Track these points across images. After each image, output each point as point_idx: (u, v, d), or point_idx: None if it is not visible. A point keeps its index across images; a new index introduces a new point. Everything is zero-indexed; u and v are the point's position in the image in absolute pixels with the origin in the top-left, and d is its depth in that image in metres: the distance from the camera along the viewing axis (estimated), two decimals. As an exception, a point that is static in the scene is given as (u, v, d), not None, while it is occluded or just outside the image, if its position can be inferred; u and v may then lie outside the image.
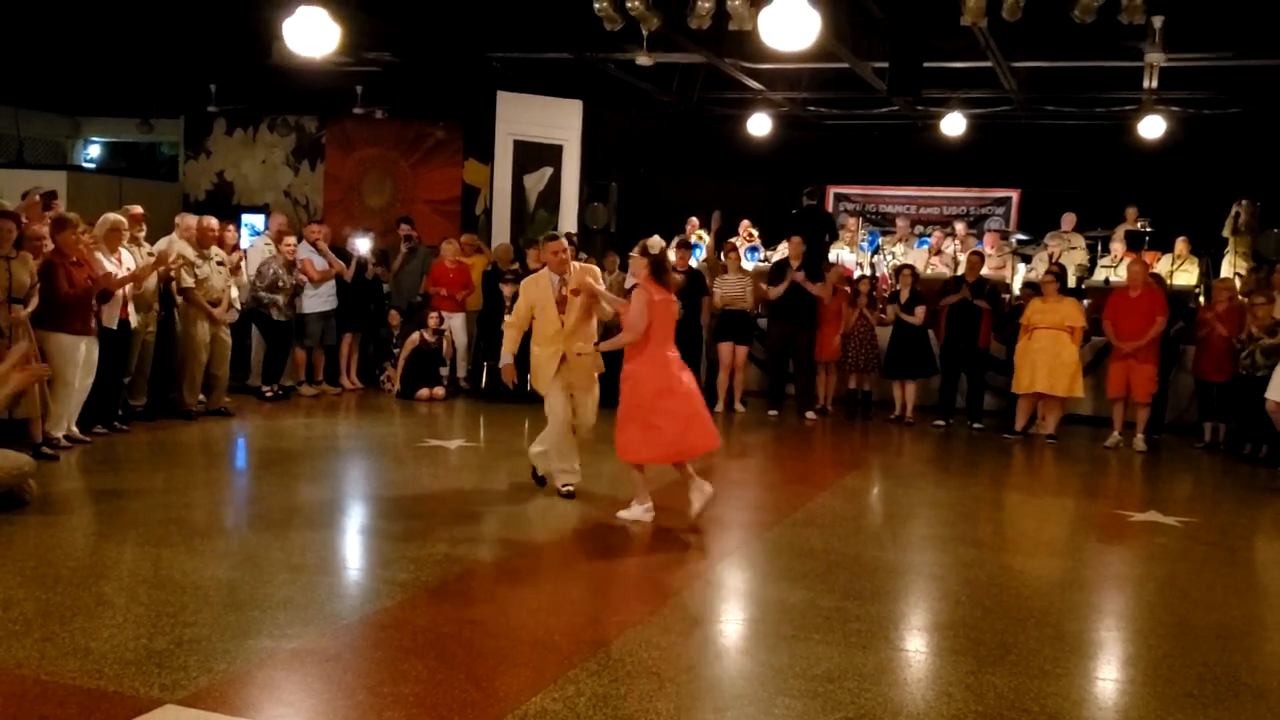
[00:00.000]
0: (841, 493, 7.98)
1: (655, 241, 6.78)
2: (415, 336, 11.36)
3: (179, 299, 9.36)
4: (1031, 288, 11.28)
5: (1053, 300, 10.52)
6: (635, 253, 6.80)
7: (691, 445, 6.58)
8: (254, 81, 14.84)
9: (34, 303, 7.34)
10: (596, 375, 7.20)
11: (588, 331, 7.12)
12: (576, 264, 7.25)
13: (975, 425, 11.07)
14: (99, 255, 8.19)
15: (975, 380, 11.20)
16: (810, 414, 11.33)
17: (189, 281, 9.34)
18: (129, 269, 8.45)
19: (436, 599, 4.90)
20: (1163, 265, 12.99)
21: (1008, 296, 11.87)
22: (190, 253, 9.40)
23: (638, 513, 6.61)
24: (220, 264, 9.71)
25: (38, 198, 8.66)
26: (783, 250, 12.50)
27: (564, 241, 7.21)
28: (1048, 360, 10.31)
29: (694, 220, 14.48)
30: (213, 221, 9.84)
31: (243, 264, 10.43)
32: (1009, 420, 10.77)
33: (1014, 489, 8.93)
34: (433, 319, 11.46)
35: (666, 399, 6.48)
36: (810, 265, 11.44)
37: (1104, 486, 9.05)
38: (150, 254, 9.08)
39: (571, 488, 7.12)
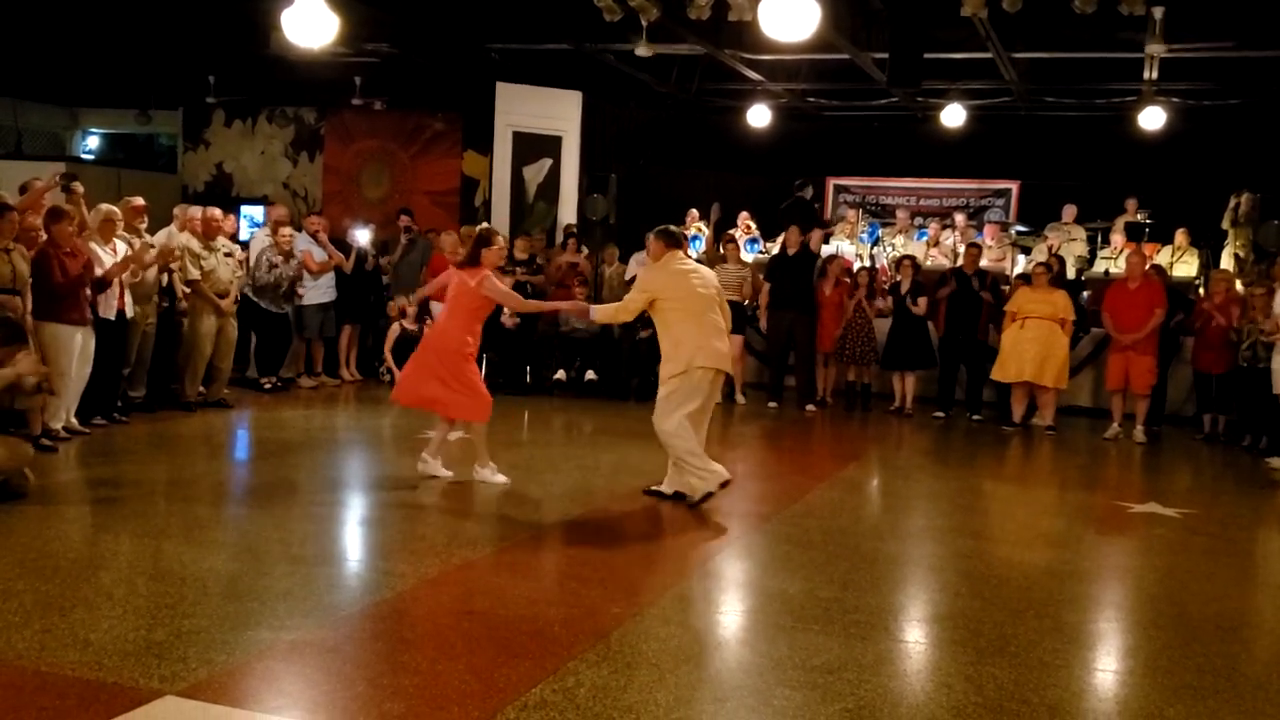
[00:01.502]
0: (841, 484, 7.98)
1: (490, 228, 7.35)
2: (395, 327, 11.34)
3: (183, 290, 9.34)
4: (1025, 279, 11.29)
5: (1043, 291, 10.53)
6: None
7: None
8: (252, 73, 14.82)
9: (29, 299, 7.34)
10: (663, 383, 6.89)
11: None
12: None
13: (974, 417, 11.08)
14: (94, 245, 8.17)
15: (974, 372, 11.20)
16: (810, 406, 11.32)
17: (194, 273, 9.33)
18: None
19: (436, 590, 4.90)
20: (1163, 257, 12.99)
21: (1007, 288, 11.87)
22: (195, 244, 9.39)
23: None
24: (228, 255, 9.70)
25: (57, 179, 8.63)
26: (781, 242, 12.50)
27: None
28: (1040, 350, 10.31)
29: (694, 212, 14.46)
30: (217, 212, 9.83)
31: (245, 257, 10.43)
32: (1008, 412, 10.77)
33: (1013, 480, 8.93)
34: (410, 307, 11.40)
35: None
36: (804, 256, 11.43)
37: (1103, 478, 9.06)
38: (151, 245, 9.07)
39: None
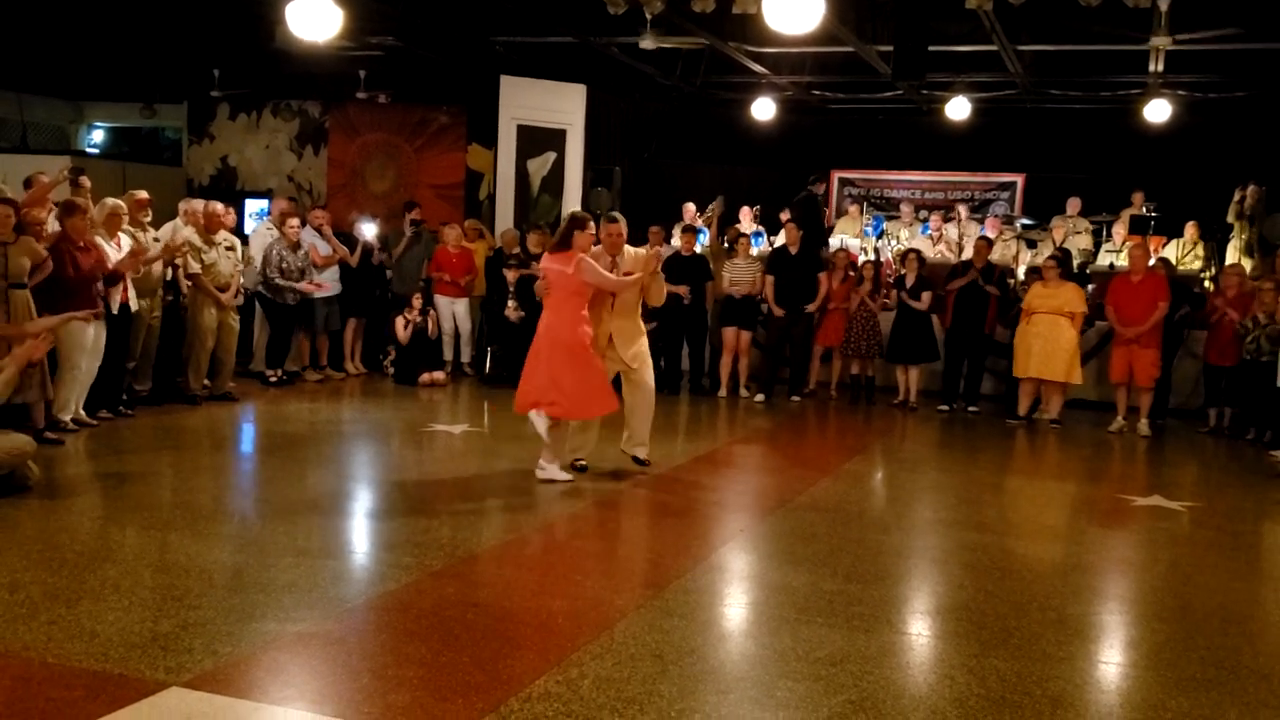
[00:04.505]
0: (845, 477, 7.98)
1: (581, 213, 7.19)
2: (400, 321, 11.34)
3: (186, 284, 9.37)
4: (1035, 273, 11.28)
5: (1053, 285, 10.51)
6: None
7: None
8: (257, 66, 14.81)
9: (46, 269, 7.36)
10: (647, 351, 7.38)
11: (634, 314, 7.28)
12: (630, 248, 7.32)
13: (971, 409, 11.08)
14: (99, 239, 8.19)
15: (976, 365, 11.20)
16: (795, 396, 11.39)
17: (195, 267, 9.36)
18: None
19: (440, 582, 4.91)
20: (1171, 250, 12.97)
21: (1013, 282, 11.85)
22: (196, 238, 9.42)
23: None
24: (229, 249, 9.73)
25: (65, 173, 8.66)
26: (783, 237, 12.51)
27: (622, 224, 7.20)
28: (1045, 345, 10.31)
29: (689, 206, 14.42)
30: (219, 206, 9.86)
31: (240, 248, 10.44)
32: (1010, 405, 10.77)
33: (1017, 473, 8.93)
34: (416, 299, 11.45)
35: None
36: (807, 253, 11.44)
37: (1108, 471, 9.06)
38: (155, 239, 9.10)
39: (583, 461, 7.30)
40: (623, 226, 7.19)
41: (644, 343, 7.39)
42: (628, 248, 7.27)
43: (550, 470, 6.98)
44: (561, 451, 7.11)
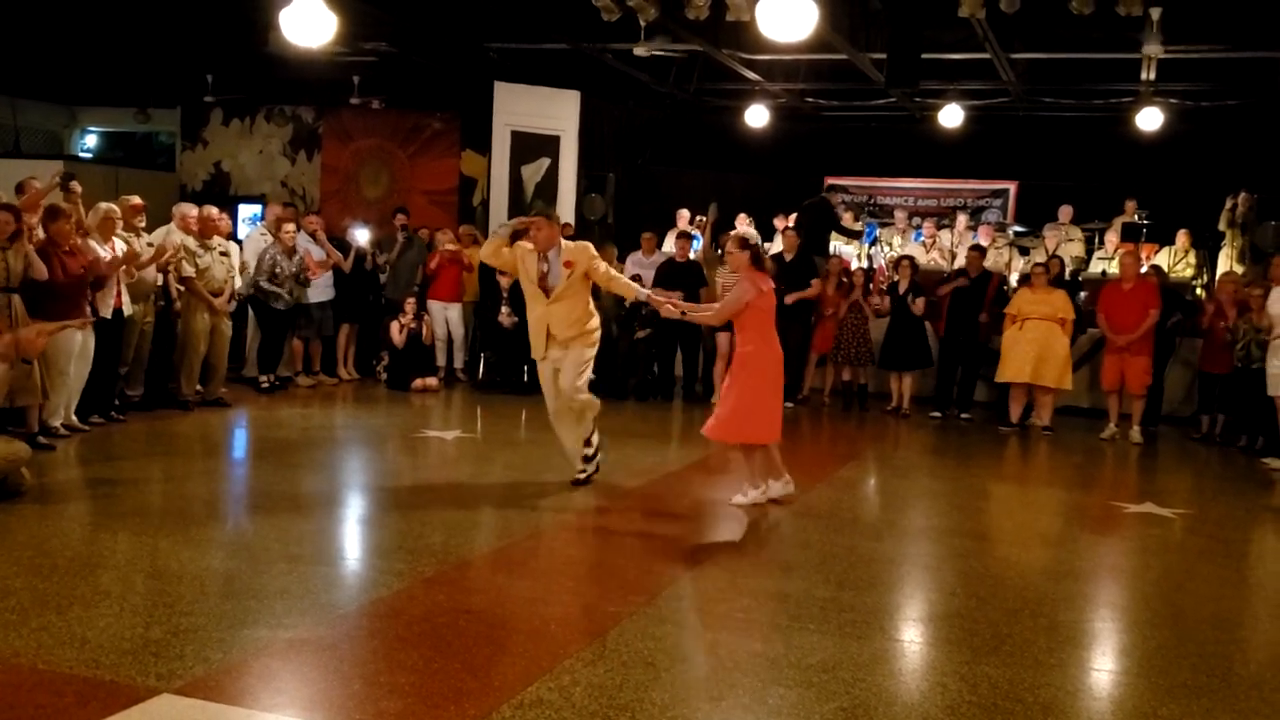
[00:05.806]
0: (838, 484, 7.99)
1: (751, 232, 7.10)
2: (396, 325, 11.33)
3: (178, 288, 9.35)
4: (1028, 281, 11.31)
5: (1042, 291, 10.54)
6: (733, 245, 7.00)
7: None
8: (251, 71, 14.82)
9: (40, 270, 7.36)
10: (587, 347, 7.15)
11: (578, 308, 7.08)
12: (569, 243, 7.22)
13: (963, 416, 11.09)
14: (93, 243, 8.17)
15: (969, 373, 11.21)
16: (788, 403, 11.38)
17: (189, 271, 9.35)
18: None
19: (433, 589, 4.91)
20: (1163, 258, 13.01)
21: (1007, 289, 11.88)
22: (192, 242, 9.41)
23: (755, 496, 6.92)
24: (223, 254, 9.71)
25: (57, 179, 8.67)
26: (778, 243, 12.53)
27: (544, 219, 7.14)
28: (1039, 351, 10.33)
29: (684, 212, 14.43)
30: (214, 211, 9.84)
31: (235, 253, 10.43)
32: (1002, 412, 10.78)
33: (1010, 480, 8.95)
34: (409, 305, 11.44)
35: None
36: (803, 260, 11.45)
37: (1100, 478, 9.08)
38: (149, 244, 9.09)
39: (581, 476, 7.17)
40: (546, 223, 7.09)
41: (591, 333, 7.16)
42: (565, 242, 7.18)
43: (764, 490, 6.98)
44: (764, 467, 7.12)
